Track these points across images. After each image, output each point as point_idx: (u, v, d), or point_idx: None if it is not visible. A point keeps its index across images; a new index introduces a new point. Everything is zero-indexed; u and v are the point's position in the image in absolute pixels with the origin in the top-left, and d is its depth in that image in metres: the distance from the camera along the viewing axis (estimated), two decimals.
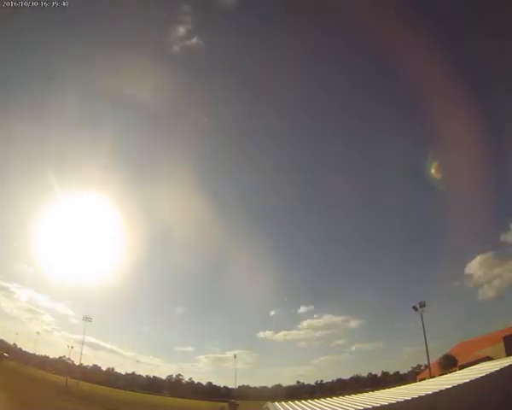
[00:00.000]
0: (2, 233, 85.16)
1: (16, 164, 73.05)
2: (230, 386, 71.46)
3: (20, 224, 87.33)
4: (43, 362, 64.44)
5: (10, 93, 69.79)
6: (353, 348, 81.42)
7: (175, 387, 74.41)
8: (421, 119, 70.31)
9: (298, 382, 77.28)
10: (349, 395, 29.97)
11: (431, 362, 42.58)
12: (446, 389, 13.88)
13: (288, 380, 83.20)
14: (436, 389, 14.22)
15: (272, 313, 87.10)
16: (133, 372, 76.86)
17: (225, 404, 54.21)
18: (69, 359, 70.03)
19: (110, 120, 79.82)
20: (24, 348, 68.27)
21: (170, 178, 78.94)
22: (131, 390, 62.95)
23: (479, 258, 73.91)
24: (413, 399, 13.80)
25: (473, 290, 79.63)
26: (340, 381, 74.09)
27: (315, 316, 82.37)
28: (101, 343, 79.20)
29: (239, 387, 71.64)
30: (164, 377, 79.96)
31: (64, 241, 75.04)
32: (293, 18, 65.94)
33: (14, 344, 68.06)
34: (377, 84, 79.01)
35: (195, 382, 77.97)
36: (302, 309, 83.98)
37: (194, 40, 77.95)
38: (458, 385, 13.97)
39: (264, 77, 77.52)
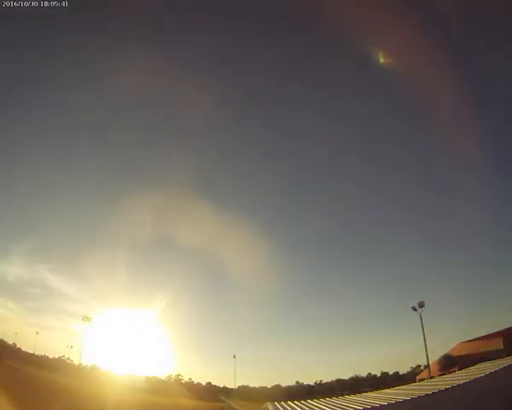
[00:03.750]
0: None
1: None
2: (230, 386, 71.61)
3: None
4: (42, 362, 64.34)
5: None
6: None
7: (174, 387, 74.26)
8: None
9: (297, 382, 77.14)
10: (349, 395, 29.99)
11: (430, 362, 42.56)
12: (446, 389, 13.85)
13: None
14: (436, 389, 14.19)
15: None
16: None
17: (224, 404, 54.07)
18: (68, 358, 70.22)
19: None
20: (23, 348, 68.33)
21: None
22: (131, 391, 62.77)
23: None
24: (413, 399, 13.77)
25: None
26: (339, 381, 73.95)
27: None
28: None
29: (238, 387, 71.71)
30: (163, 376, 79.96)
31: None
32: None
33: (14, 344, 68.06)
34: None
35: (195, 382, 78.01)
36: None
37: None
38: (458, 385, 13.94)
39: None
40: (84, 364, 70.25)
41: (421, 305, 41.70)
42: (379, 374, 73.81)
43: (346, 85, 73.16)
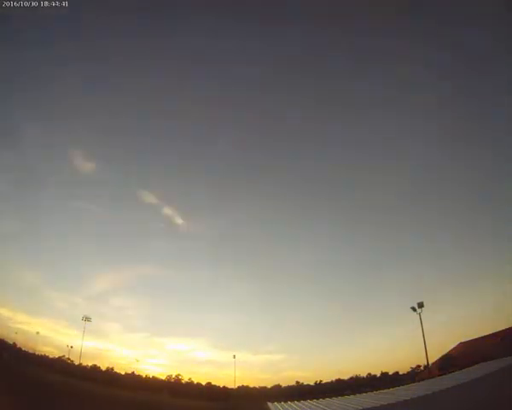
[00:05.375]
0: None
1: None
2: (230, 386, 71.52)
3: None
4: (42, 362, 64.28)
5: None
6: None
7: (174, 387, 74.19)
8: None
9: (297, 382, 77.04)
10: (349, 395, 30.06)
11: (430, 362, 42.57)
12: (446, 389, 13.87)
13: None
14: (435, 389, 14.21)
15: None
16: (133, 372, 76.68)
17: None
18: (68, 358, 70.05)
19: None
20: (23, 348, 68.22)
21: None
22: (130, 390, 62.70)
23: None
24: (412, 399, 13.80)
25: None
26: (339, 381, 73.83)
27: None
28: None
29: (238, 387, 71.61)
30: (163, 377, 79.80)
31: None
32: None
33: (14, 344, 67.93)
34: None
35: (195, 382, 77.83)
36: None
37: None
38: (458, 385, 13.96)
39: None
40: (84, 364, 70.19)
41: (421, 305, 41.74)
42: (379, 374, 73.68)
43: None
